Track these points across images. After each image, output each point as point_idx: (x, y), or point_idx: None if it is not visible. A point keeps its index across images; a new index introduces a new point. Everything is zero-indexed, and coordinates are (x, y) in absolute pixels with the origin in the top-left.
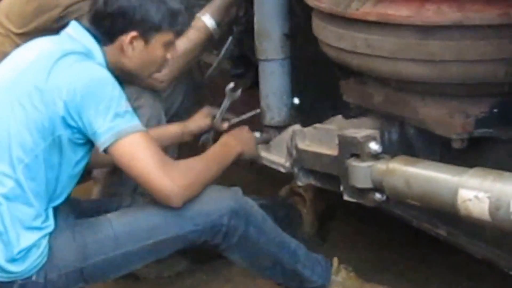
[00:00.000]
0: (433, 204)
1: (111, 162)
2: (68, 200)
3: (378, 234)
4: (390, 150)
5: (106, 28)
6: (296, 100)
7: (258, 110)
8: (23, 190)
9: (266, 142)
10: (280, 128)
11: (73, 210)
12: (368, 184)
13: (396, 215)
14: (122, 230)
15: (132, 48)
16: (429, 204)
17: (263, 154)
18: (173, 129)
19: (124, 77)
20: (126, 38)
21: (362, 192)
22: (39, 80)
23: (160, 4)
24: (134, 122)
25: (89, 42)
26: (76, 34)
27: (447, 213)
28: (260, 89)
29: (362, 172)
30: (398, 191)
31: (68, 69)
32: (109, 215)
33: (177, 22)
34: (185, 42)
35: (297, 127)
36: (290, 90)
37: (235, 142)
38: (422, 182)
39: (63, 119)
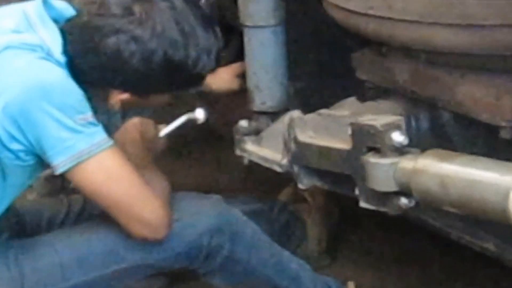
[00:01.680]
0: (476, 211)
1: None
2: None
3: (404, 249)
4: (419, 142)
5: (94, 75)
6: None
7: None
8: None
9: (255, 133)
10: (273, 115)
11: (8, 222)
12: (391, 187)
13: (429, 225)
14: (70, 256)
15: (120, 103)
16: (472, 211)
17: (253, 148)
18: None
19: None
20: (113, 94)
21: (384, 196)
22: None
23: (178, 70)
24: (99, 137)
25: (49, 37)
26: (36, 19)
27: (496, 223)
28: (247, 65)
29: (383, 171)
30: (430, 195)
31: (2, 72)
32: (52, 236)
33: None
34: None
35: (296, 113)
36: (286, 66)
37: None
38: (463, 183)
39: (1, 142)
